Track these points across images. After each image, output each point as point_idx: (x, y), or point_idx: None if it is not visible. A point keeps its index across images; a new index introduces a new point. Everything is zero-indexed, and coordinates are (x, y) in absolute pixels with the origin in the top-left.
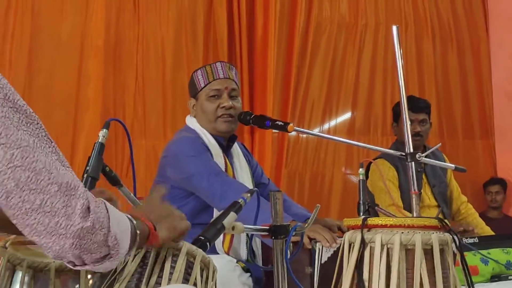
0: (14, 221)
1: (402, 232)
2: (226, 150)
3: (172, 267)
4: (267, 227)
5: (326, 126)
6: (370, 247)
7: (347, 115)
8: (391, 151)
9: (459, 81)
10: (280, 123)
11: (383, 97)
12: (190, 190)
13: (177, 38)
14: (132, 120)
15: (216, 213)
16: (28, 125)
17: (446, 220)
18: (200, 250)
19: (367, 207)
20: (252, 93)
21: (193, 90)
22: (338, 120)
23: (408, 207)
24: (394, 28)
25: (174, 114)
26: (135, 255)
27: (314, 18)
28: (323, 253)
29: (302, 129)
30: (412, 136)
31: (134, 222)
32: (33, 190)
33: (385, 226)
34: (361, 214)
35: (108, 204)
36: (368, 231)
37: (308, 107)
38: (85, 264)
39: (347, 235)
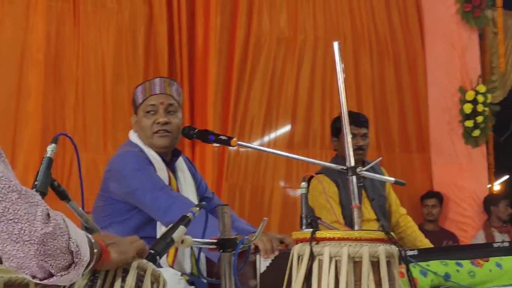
0: None
1: (350, 245)
2: (170, 164)
3: (123, 281)
4: (215, 241)
5: (266, 139)
6: (319, 259)
7: (286, 129)
8: (333, 165)
9: (396, 96)
10: (223, 137)
11: (321, 111)
12: (134, 204)
13: (117, 52)
14: (72, 133)
15: (159, 227)
16: None
17: (392, 233)
18: (151, 264)
19: (309, 221)
20: (193, 107)
21: (134, 106)
22: (277, 133)
23: (349, 223)
24: (336, 44)
25: (114, 127)
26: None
27: (254, 33)
28: (261, 262)
29: (245, 144)
30: (354, 150)
31: (90, 236)
32: None
33: (333, 239)
34: (304, 227)
35: (62, 213)
36: (317, 244)
37: (248, 121)
38: (51, 275)
39: (296, 248)
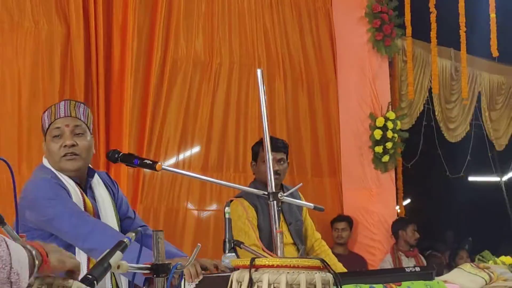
0: None
1: (288, 272)
2: (85, 185)
3: None
4: (149, 266)
5: (180, 161)
6: (258, 286)
7: (201, 152)
8: (254, 190)
9: (309, 121)
10: (148, 161)
11: (236, 135)
12: (52, 232)
13: (34, 71)
14: None
15: (78, 252)
16: None
17: (326, 261)
18: None
19: (232, 245)
20: (108, 128)
21: (42, 131)
22: (192, 155)
23: (267, 246)
24: (259, 71)
25: (29, 148)
26: None
27: (170, 56)
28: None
29: (171, 168)
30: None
31: (33, 251)
32: None
33: (271, 266)
34: (227, 251)
35: (7, 239)
36: (256, 270)
37: (164, 143)
38: None
39: (236, 274)
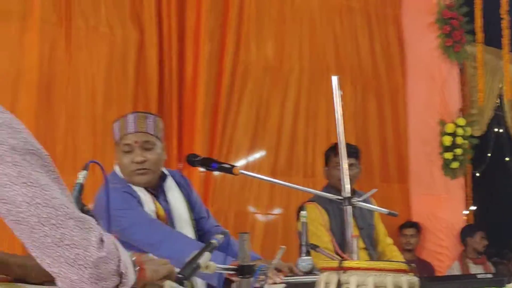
0: (34, 254)
1: (375, 275)
2: (157, 191)
3: None
4: (235, 266)
5: (250, 165)
6: None
7: (270, 156)
8: (329, 195)
9: (377, 127)
10: (226, 165)
11: (305, 140)
12: (125, 240)
13: (108, 76)
14: (62, 157)
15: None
16: (43, 166)
17: (413, 264)
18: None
19: (308, 249)
20: (181, 132)
21: (114, 140)
22: (262, 160)
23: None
24: (334, 78)
25: (104, 151)
26: None
27: (241, 61)
28: None
29: (247, 173)
30: (340, 180)
31: (133, 258)
32: (53, 225)
33: (359, 268)
34: (304, 255)
35: (112, 237)
36: (344, 273)
37: (234, 147)
38: None
39: (324, 277)
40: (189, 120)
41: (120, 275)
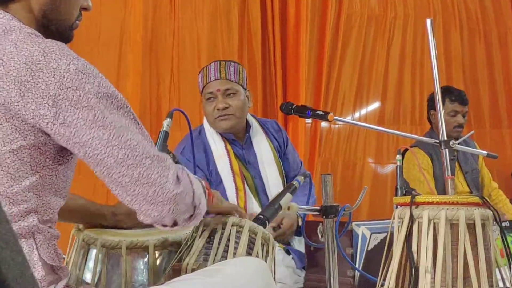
0: (115, 192)
1: (447, 209)
2: (243, 139)
3: (236, 243)
4: (318, 207)
5: (356, 115)
6: (418, 222)
7: (377, 106)
8: (426, 139)
9: (486, 72)
10: (320, 112)
11: (411, 87)
12: None
13: (212, 31)
14: (168, 111)
15: None
16: (119, 108)
17: (486, 197)
18: (261, 227)
19: (404, 192)
20: (286, 84)
21: (200, 90)
22: (368, 110)
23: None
24: (428, 21)
25: None
26: (201, 232)
27: (345, 11)
28: (371, 240)
29: (341, 119)
30: (455, 127)
31: (203, 182)
32: (130, 165)
33: (431, 203)
34: None
35: (185, 169)
36: (416, 207)
37: (340, 98)
38: (176, 225)
39: (397, 212)
40: (293, 72)
41: (195, 207)
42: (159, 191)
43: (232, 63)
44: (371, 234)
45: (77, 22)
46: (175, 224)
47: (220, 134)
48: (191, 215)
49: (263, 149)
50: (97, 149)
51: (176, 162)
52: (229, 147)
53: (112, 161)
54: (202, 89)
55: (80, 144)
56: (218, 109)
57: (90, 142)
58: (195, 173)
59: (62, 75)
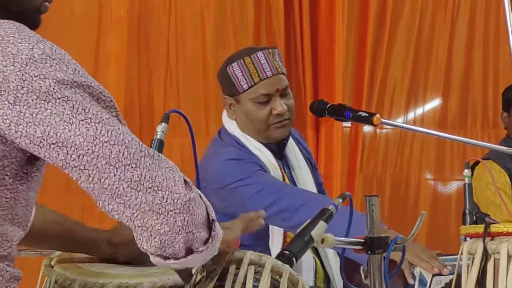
0: (109, 207)
1: None
2: (280, 152)
3: (255, 287)
4: (362, 240)
5: (410, 117)
6: (494, 258)
7: (436, 104)
8: (502, 148)
9: None
10: (363, 114)
11: (483, 79)
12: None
13: (220, 6)
14: (163, 112)
15: (273, 235)
16: (100, 101)
17: None
18: (287, 266)
19: (475, 219)
20: (316, 77)
21: (230, 88)
22: (425, 110)
23: None
24: None
25: (217, 102)
26: (209, 273)
27: None
28: (432, 284)
29: (390, 121)
30: None
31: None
32: (127, 165)
33: (511, 234)
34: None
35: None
36: (492, 240)
37: (388, 94)
38: (191, 252)
39: (466, 245)
40: (326, 61)
41: (210, 223)
42: (167, 196)
43: (275, 49)
44: (433, 276)
45: (46, 4)
46: (189, 250)
47: (264, 145)
48: (207, 238)
49: (302, 166)
50: (82, 148)
51: None
52: (277, 161)
53: (104, 162)
54: (248, 88)
55: (58, 145)
56: (279, 114)
57: (72, 140)
58: None
59: (25, 62)
